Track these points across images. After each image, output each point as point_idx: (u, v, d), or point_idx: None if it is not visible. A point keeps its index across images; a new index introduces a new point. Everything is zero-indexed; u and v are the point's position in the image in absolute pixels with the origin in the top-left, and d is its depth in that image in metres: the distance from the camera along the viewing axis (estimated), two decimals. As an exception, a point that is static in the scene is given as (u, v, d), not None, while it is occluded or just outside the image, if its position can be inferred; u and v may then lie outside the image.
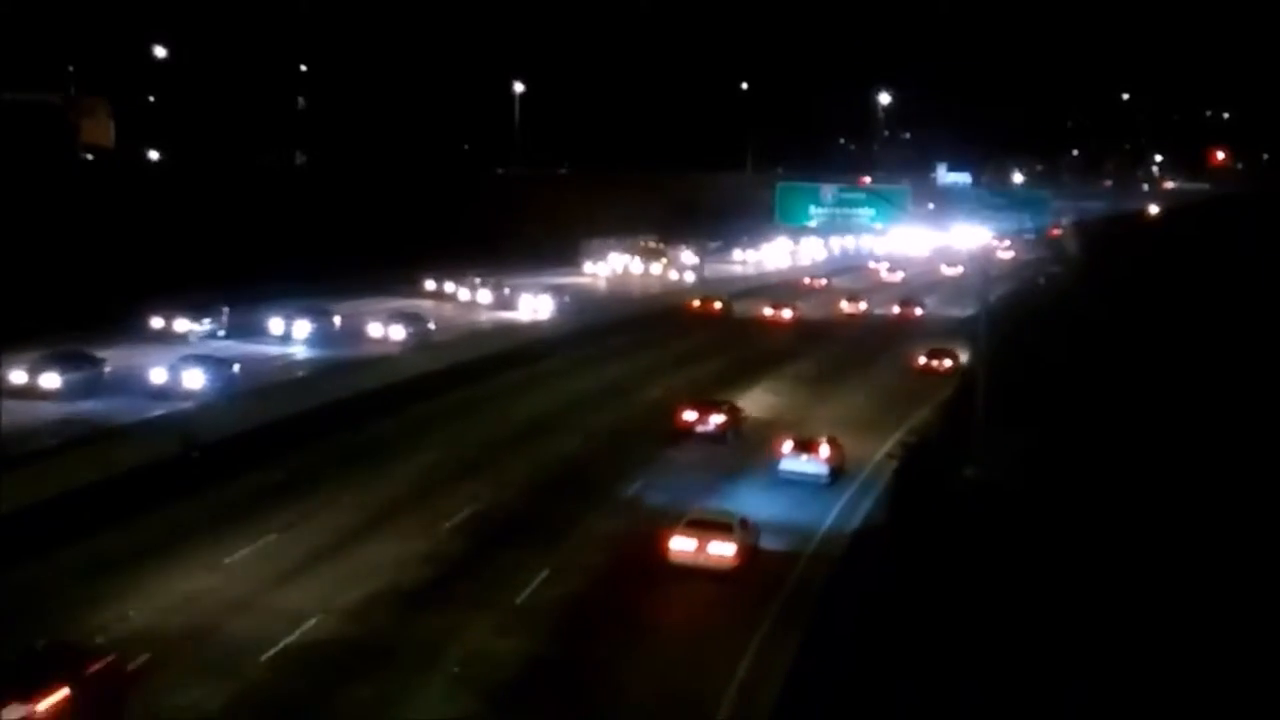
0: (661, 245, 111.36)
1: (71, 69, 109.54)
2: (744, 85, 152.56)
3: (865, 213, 75.46)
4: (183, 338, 63.85)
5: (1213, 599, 31.25)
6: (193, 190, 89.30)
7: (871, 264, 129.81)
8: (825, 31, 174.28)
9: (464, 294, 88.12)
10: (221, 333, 66.51)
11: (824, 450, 44.82)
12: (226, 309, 67.63)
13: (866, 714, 26.41)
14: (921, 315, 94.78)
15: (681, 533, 34.64)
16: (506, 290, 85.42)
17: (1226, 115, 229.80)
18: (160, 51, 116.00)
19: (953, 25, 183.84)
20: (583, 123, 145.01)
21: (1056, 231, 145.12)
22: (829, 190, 74.03)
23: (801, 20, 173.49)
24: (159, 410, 48.14)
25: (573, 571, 34.35)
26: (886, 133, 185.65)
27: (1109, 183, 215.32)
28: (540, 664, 28.61)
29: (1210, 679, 27.26)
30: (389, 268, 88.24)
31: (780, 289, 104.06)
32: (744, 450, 48.45)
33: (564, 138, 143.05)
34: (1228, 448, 44.91)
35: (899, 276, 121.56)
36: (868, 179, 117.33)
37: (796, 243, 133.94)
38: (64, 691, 23.66)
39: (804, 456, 44.42)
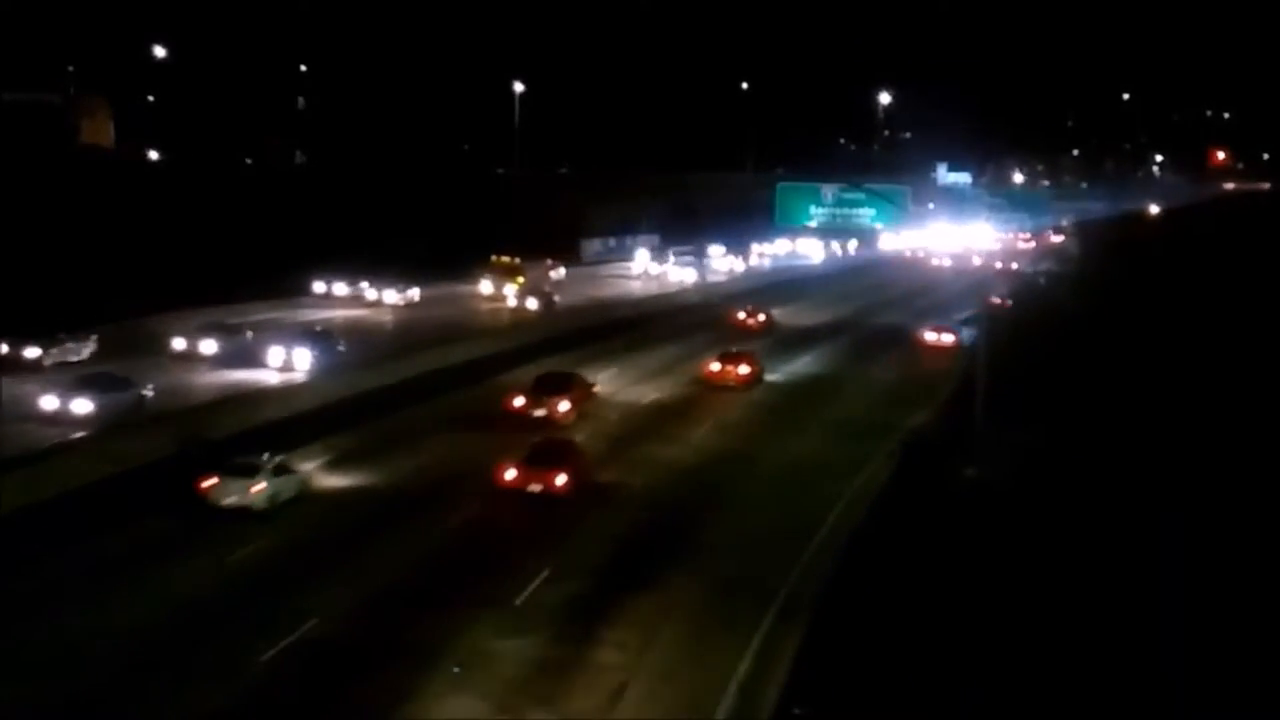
0: (517, 262, 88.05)
1: (71, 69, 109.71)
2: (744, 85, 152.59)
3: (866, 213, 75.56)
4: (35, 364, 52.66)
5: (1213, 599, 31.26)
6: (191, 189, 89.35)
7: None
8: (825, 31, 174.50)
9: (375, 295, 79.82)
10: (82, 355, 55.02)
11: None
12: (94, 335, 56.57)
13: (865, 714, 26.42)
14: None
15: None
16: (249, 334, 61.37)
17: (1226, 115, 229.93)
18: (160, 51, 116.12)
19: (953, 25, 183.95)
20: (583, 123, 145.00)
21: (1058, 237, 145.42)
22: (829, 190, 74.14)
23: (802, 20, 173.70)
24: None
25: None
26: (886, 133, 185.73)
27: (1142, 174, 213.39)
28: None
29: (1209, 679, 27.27)
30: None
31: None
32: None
33: (564, 138, 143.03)
34: (1227, 447, 44.94)
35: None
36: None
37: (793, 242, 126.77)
38: None
39: None
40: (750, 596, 32.19)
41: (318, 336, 61.17)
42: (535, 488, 39.12)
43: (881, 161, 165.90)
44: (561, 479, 39.16)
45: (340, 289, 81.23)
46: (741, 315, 77.83)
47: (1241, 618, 30.55)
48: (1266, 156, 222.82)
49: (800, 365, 66.31)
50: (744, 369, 58.05)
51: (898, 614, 30.17)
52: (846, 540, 37.22)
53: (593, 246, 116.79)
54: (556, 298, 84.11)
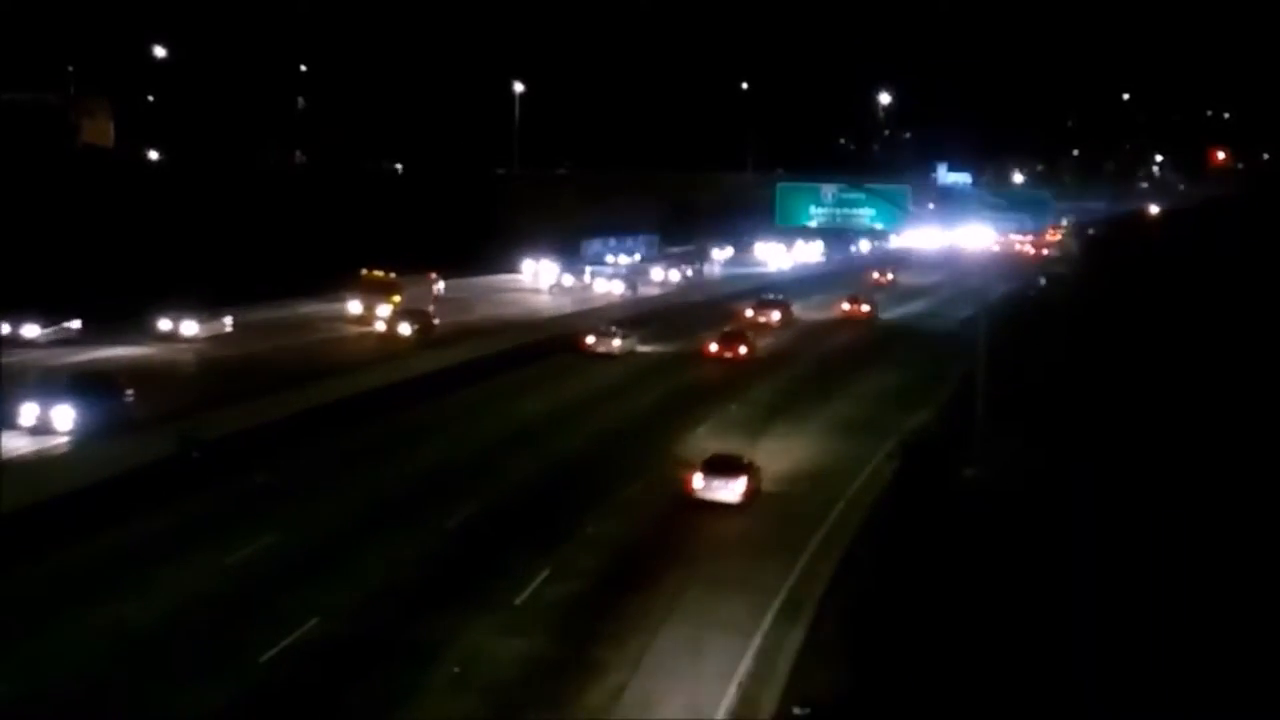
0: (392, 277, 73.08)
1: (71, 69, 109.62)
2: (744, 85, 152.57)
3: (865, 213, 75.56)
4: None
5: (1211, 599, 31.26)
6: (193, 190, 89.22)
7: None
8: (825, 31, 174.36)
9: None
10: None
11: None
12: None
13: (865, 715, 26.42)
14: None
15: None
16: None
17: (1227, 115, 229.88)
18: (160, 51, 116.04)
19: (953, 25, 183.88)
20: (582, 123, 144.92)
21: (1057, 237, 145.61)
22: (829, 190, 74.15)
23: (802, 20, 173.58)
24: None
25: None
26: (886, 133, 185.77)
27: (1145, 185, 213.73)
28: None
29: (1210, 678, 27.28)
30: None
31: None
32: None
33: (564, 138, 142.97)
34: (1227, 447, 44.93)
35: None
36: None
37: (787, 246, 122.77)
38: None
39: None
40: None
41: (94, 385, 46.78)
42: None
43: (881, 161, 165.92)
44: None
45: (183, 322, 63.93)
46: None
47: (1240, 617, 30.57)
48: (1266, 156, 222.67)
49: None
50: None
51: (897, 615, 30.22)
52: (848, 540, 37.30)
53: (591, 248, 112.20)
54: (437, 320, 70.87)
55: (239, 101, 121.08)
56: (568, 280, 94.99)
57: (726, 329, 70.54)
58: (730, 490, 39.62)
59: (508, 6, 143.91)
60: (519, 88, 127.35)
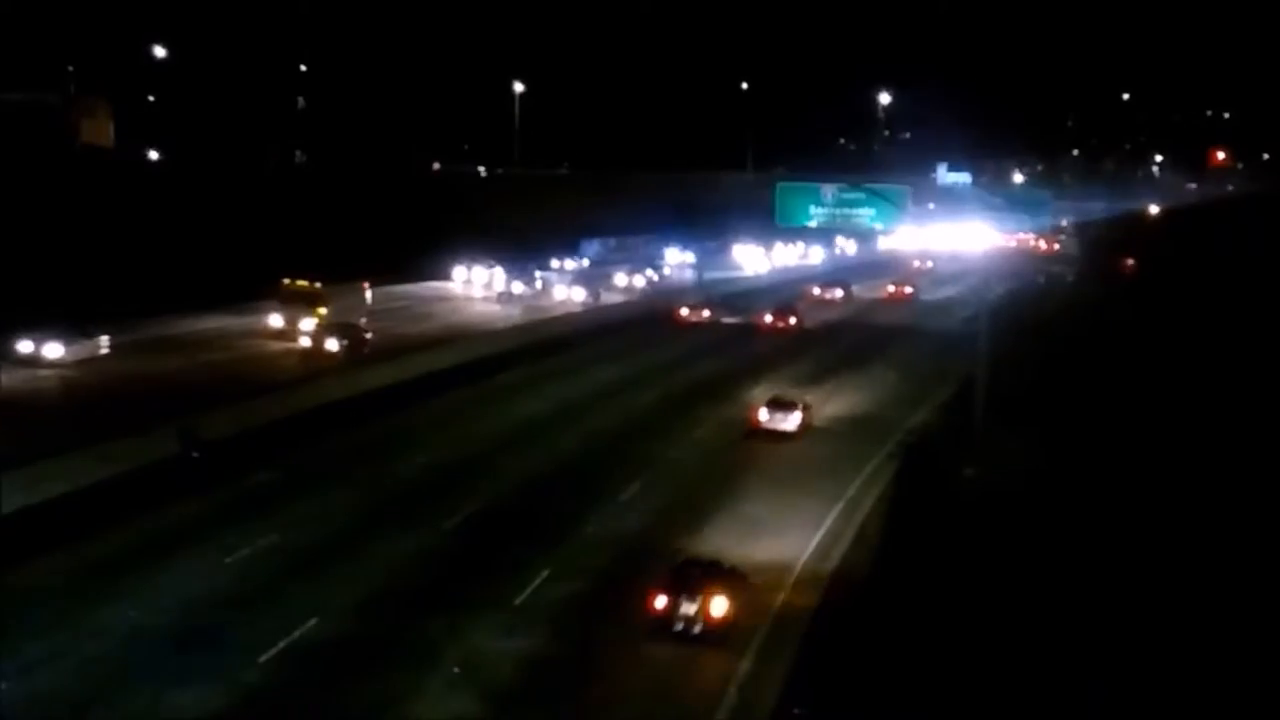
0: (317, 287, 66.17)
1: (71, 69, 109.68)
2: (744, 85, 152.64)
3: (866, 213, 75.47)
4: None
5: (1210, 599, 31.25)
6: (196, 192, 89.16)
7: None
8: (825, 31, 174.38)
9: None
10: None
11: None
12: None
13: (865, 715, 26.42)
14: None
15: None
16: None
17: (1227, 115, 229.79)
18: (160, 51, 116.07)
19: (953, 25, 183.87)
20: (582, 123, 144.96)
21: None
22: (829, 190, 74.07)
23: (801, 20, 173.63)
24: None
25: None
26: (886, 133, 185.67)
27: (1145, 185, 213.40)
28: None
29: (1208, 678, 27.27)
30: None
31: None
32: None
33: (564, 138, 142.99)
34: (1227, 447, 44.91)
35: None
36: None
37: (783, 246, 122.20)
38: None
39: None
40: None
41: None
42: None
43: (881, 161, 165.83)
44: None
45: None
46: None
47: (1240, 617, 30.57)
48: (1266, 156, 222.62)
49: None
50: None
51: (897, 615, 30.21)
52: (848, 541, 37.33)
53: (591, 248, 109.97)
54: (369, 334, 64.32)
55: (239, 101, 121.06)
56: (518, 287, 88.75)
57: (777, 305, 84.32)
58: (789, 422, 49.94)
59: (508, 6, 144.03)
60: (519, 88, 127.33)
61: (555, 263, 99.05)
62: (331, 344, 61.06)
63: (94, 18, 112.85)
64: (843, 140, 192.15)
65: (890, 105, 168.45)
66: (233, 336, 65.65)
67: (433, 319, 77.92)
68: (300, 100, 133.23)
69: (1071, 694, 26.53)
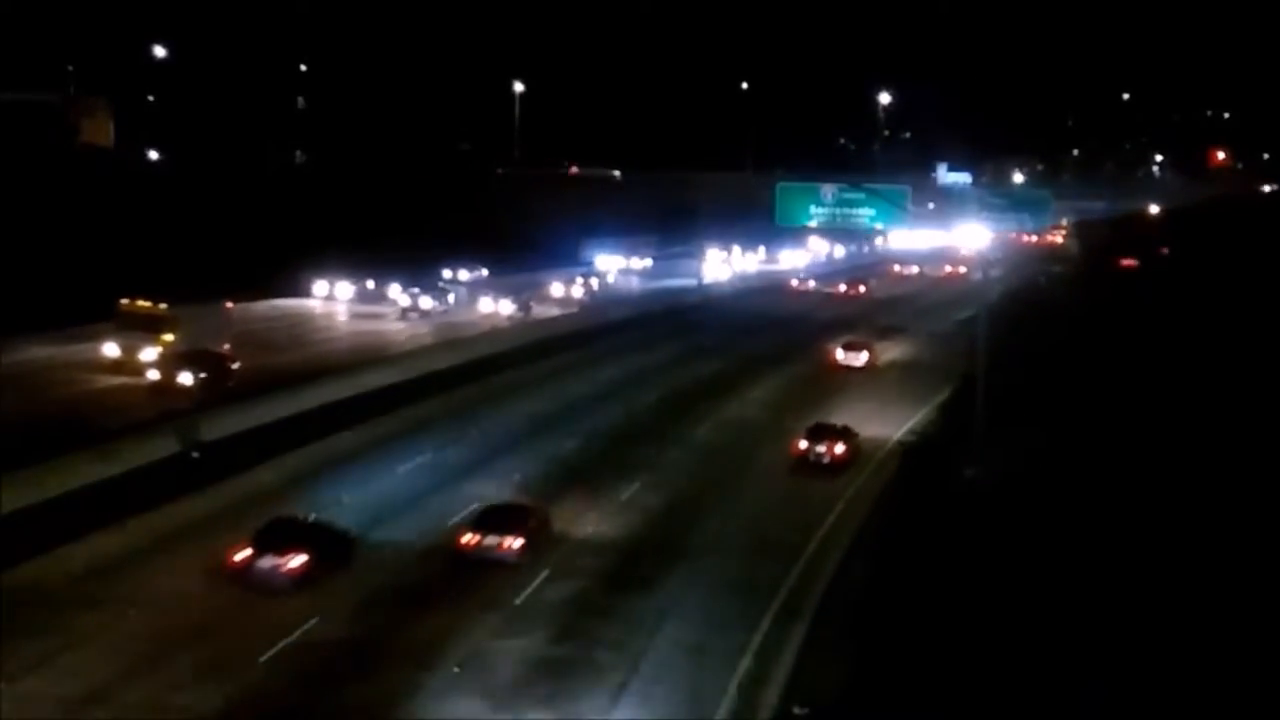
0: (163, 308, 54.68)
1: (71, 69, 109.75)
2: (744, 85, 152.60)
3: (866, 213, 75.40)
4: None
5: (1210, 599, 31.24)
6: (197, 191, 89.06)
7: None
8: (825, 31, 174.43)
9: None
10: None
11: None
12: None
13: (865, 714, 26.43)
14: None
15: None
16: None
17: (1227, 115, 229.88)
18: (160, 51, 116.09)
19: (953, 25, 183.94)
20: (582, 122, 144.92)
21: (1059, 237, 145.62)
22: (829, 190, 74.00)
23: (802, 20, 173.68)
24: None
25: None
26: (886, 133, 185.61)
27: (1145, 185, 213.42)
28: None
29: (1208, 678, 27.26)
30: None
31: None
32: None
33: (564, 138, 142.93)
34: (1227, 448, 44.88)
35: None
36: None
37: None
38: None
39: None
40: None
41: None
42: None
43: (881, 161, 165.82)
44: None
45: None
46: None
47: (1239, 617, 30.55)
48: (1266, 156, 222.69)
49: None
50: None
51: (896, 615, 30.22)
52: (850, 541, 37.38)
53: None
54: (235, 364, 53.50)
55: (239, 102, 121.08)
56: (426, 302, 77.44)
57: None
58: (859, 358, 69.27)
59: (507, 6, 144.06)
60: (519, 87, 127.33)
61: (447, 273, 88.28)
62: (185, 377, 49.80)
63: (94, 18, 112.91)
64: (843, 140, 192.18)
65: (890, 105, 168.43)
66: (61, 369, 52.81)
67: (324, 343, 66.17)
68: (300, 100, 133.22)
69: (1071, 694, 26.52)
